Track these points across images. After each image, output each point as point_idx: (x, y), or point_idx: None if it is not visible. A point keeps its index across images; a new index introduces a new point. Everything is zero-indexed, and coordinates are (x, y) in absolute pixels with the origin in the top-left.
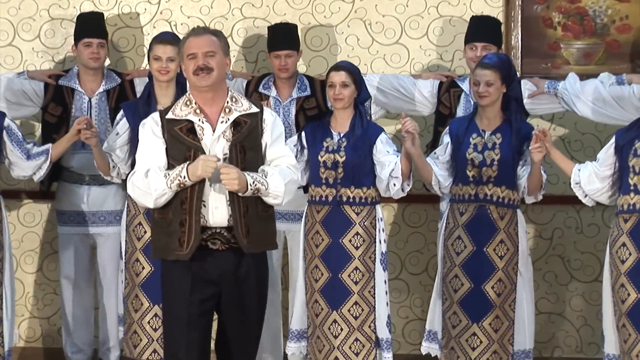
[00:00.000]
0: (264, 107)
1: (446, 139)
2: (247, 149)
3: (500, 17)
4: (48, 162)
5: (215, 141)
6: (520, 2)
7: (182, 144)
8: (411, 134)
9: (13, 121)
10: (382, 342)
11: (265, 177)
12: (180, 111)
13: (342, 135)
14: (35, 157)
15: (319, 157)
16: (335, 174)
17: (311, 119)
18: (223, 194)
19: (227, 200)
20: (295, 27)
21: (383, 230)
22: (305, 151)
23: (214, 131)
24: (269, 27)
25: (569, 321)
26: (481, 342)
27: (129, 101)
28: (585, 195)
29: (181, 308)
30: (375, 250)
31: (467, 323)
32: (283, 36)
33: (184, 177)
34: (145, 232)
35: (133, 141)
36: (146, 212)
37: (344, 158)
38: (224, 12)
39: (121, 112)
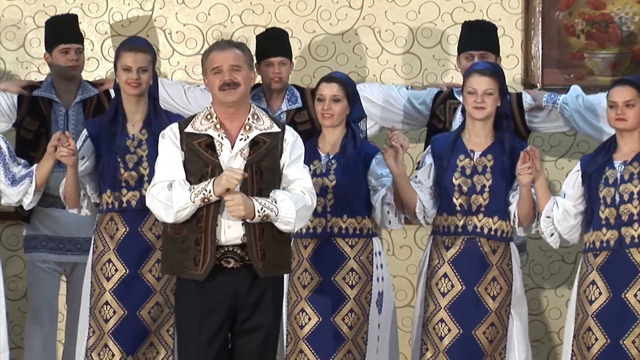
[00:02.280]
0: (286, 127)
1: (428, 159)
2: (263, 169)
3: (520, 25)
4: (33, 185)
5: (233, 158)
6: (540, 9)
7: (200, 159)
8: (394, 148)
9: (4, 139)
10: None
11: (276, 203)
12: (201, 125)
13: (331, 156)
14: (20, 182)
15: None
16: (325, 201)
17: (302, 134)
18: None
19: (241, 221)
20: (287, 33)
21: (381, 266)
22: None
23: (232, 148)
24: (257, 35)
25: None
26: None
27: (93, 119)
28: (552, 234)
29: (195, 329)
30: (371, 289)
31: None
32: (276, 42)
33: (210, 192)
34: (116, 270)
35: (100, 167)
36: (117, 248)
37: (333, 182)
38: (222, 20)
39: (84, 132)
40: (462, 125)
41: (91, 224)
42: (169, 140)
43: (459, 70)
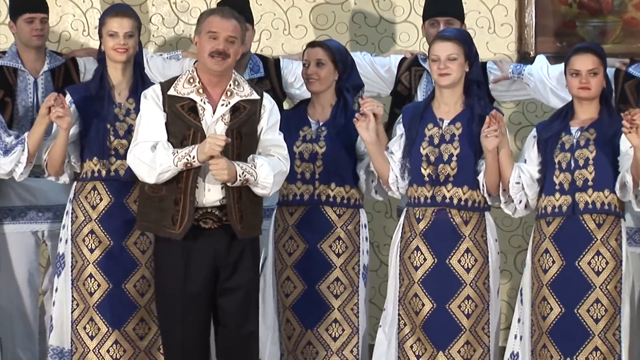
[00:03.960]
0: (264, 94)
1: (399, 129)
2: (243, 134)
3: None
4: (26, 154)
5: (214, 123)
6: None
7: (182, 121)
8: (366, 116)
9: None
10: None
11: (255, 168)
12: (183, 88)
13: (321, 124)
14: (12, 151)
15: (294, 148)
16: (313, 167)
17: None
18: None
19: (221, 184)
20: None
21: (367, 239)
22: None
23: (214, 113)
24: (218, 2)
25: None
26: None
27: (76, 85)
28: (520, 201)
29: (175, 287)
30: (358, 260)
31: (432, 351)
32: (237, 9)
33: (193, 158)
34: (99, 242)
35: (89, 134)
36: (99, 219)
37: (323, 149)
38: None
39: (68, 98)
40: (432, 94)
41: (66, 191)
42: (152, 100)
43: (425, 38)
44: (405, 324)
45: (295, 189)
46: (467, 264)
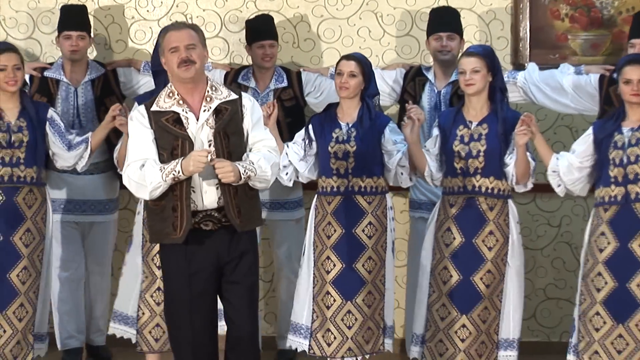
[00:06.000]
0: (242, 93)
1: (435, 131)
2: (230, 134)
3: (509, 9)
4: (88, 150)
5: (200, 129)
6: None
7: (169, 134)
8: (412, 121)
9: (56, 112)
10: (387, 329)
11: (253, 164)
12: (164, 103)
13: (350, 125)
14: (76, 147)
15: (329, 148)
16: (346, 164)
17: (288, 109)
18: (211, 179)
19: (215, 184)
20: (273, 18)
21: (393, 219)
22: (314, 143)
23: (197, 120)
24: (247, 21)
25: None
26: (470, 333)
27: (140, 96)
28: (559, 185)
29: (181, 288)
30: (386, 239)
31: (457, 315)
32: (266, 27)
33: (178, 172)
34: None
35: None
36: None
37: (354, 148)
38: (238, 5)
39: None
40: (463, 101)
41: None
42: (137, 121)
43: (429, 51)
44: (434, 291)
45: (332, 182)
46: (490, 244)
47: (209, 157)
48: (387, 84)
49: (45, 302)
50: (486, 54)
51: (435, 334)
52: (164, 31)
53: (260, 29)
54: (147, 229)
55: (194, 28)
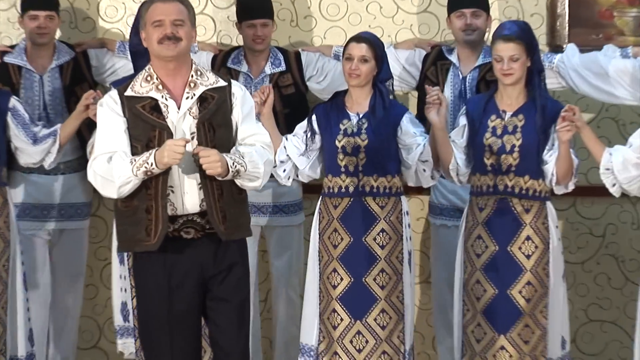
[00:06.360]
0: (232, 81)
1: (462, 120)
2: (216, 126)
3: None
4: (57, 145)
5: (182, 119)
6: None
7: (145, 122)
8: (436, 104)
9: (19, 101)
10: (406, 353)
11: (243, 158)
12: (141, 87)
13: (361, 116)
14: (43, 141)
15: (337, 142)
16: (357, 160)
17: (286, 98)
18: (193, 177)
19: (198, 183)
20: None
21: (409, 225)
22: (318, 137)
23: (179, 108)
24: None
25: (624, 330)
26: (511, 356)
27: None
28: (614, 184)
29: (160, 305)
30: (402, 248)
31: (494, 335)
32: (257, 3)
33: (152, 165)
34: None
35: None
36: None
37: (365, 142)
38: None
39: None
40: (495, 86)
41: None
42: (108, 108)
43: (451, 31)
44: (467, 310)
45: (340, 181)
46: (528, 251)
47: (189, 147)
48: (402, 66)
49: (17, 318)
50: (525, 36)
51: (472, 358)
52: (149, 2)
53: (251, 5)
54: (117, 236)
55: (184, 2)
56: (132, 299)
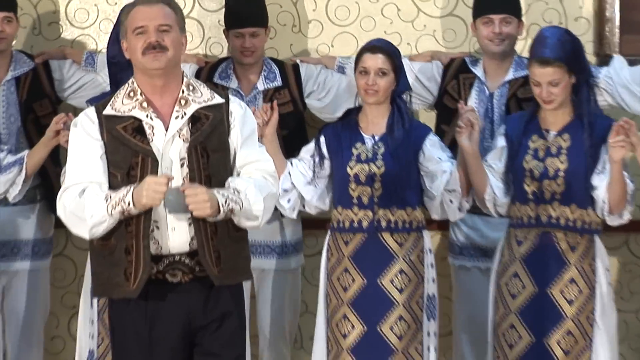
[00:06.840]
0: (231, 97)
1: (501, 141)
2: (210, 151)
3: None
4: (23, 174)
5: (169, 142)
6: None
7: (127, 147)
8: (468, 126)
9: None
10: None
11: (239, 194)
12: (123, 105)
13: (377, 139)
14: (7, 170)
15: (348, 169)
16: (372, 191)
17: (283, 118)
18: (182, 211)
19: (187, 218)
20: None
21: (432, 265)
22: (327, 162)
23: (167, 130)
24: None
25: None
26: None
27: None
28: None
29: None
30: (423, 292)
31: None
32: (247, 7)
33: (129, 204)
34: None
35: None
36: None
37: (382, 169)
38: None
39: None
40: (537, 103)
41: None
42: (82, 129)
43: (477, 39)
44: (498, 357)
45: (351, 214)
46: (570, 296)
47: (174, 183)
48: (419, 80)
49: None
50: (565, 52)
51: None
52: (130, 5)
53: (237, 10)
54: (92, 278)
55: (170, 4)
56: (97, 347)
